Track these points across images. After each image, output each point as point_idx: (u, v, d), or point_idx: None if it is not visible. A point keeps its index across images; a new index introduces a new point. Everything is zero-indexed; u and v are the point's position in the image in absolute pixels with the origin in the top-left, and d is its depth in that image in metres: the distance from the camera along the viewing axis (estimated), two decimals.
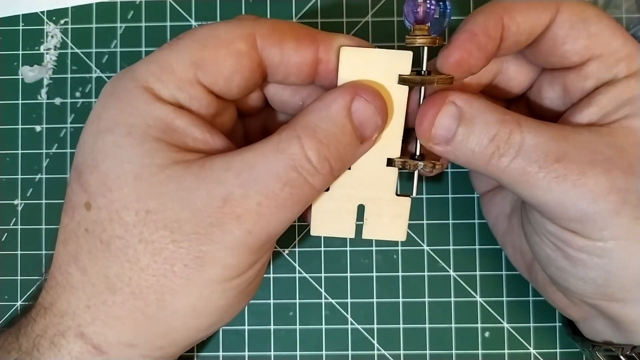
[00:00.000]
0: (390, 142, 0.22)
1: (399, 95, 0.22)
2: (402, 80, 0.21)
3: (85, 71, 0.31)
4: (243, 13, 0.31)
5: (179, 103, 0.20)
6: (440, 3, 0.22)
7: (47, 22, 0.31)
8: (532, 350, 0.30)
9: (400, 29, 0.30)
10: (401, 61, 0.22)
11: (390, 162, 0.23)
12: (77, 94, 0.31)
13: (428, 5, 0.21)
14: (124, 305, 0.20)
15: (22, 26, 0.31)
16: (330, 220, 0.23)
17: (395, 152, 0.23)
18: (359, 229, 0.24)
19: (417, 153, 0.23)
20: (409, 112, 0.23)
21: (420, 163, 0.22)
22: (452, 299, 0.30)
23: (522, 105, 0.26)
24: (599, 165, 0.20)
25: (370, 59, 0.22)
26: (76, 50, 0.31)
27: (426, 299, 0.30)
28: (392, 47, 0.30)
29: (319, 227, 0.23)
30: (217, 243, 0.19)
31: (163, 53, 0.21)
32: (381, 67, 0.22)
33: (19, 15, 0.31)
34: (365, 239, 0.24)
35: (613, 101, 0.21)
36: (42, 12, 0.31)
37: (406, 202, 0.23)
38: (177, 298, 0.20)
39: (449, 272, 0.30)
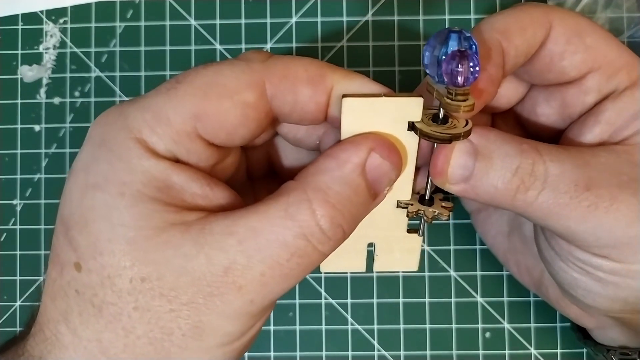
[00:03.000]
0: (402, 186, 0.21)
1: (408, 140, 0.20)
2: (424, 134, 0.19)
3: (85, 71, 0.31)
4: (243, 13, 0.31)
5: (176, 157, 0.19)
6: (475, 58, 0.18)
7: (46, 22, 0.31)
8: (533, 351, 0.30)
9: (400, 28, 0.30)
10: (412, 108, 0.19)
11: (399, 205, 0.22)
12: (77, 94, 0.31)
13: (472, 66, 0.18)
14: None
15: (21, 25, 0.31)
16: (340, 258, 0.22)
17: (406, 195, 0.22)
18: (369, 260, 0.23)
19: (427, 197, 0.22)
20: (423, 152, 0.21)
21: (435, 210, 0.22)
22: (453, 299, 0.30)
23: (509, 118, 0.26)
24: (626, 187, 0.19)
25: (377, 108, 0.19)
26: (75, 49, 0.31)
27: (427, 300, 0.30)
28: (393, 47, 0.30)
29: (328, 264, 0.23)
30: (216, 313, 0.18)
31: (159, 100, 0.18)
32: (389, 115, 0.20)
33: (17, 15, 0.31)
34: (377, 271, 0.23)
35: (621, 116, 0.21)
36: (41, 12, 0.31)
37: (418, 238, 0.23)
38: None
39: (449, 272, 0.30)
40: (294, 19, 0.30)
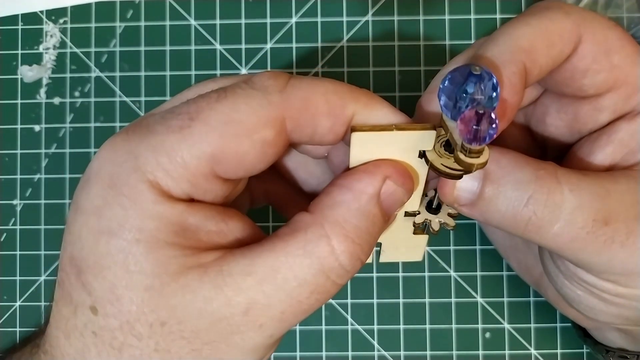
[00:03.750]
0: (411, 201, 0.21)
1: (420, 164, 0.19)
2: (435, 169, 0.18)
3: (85, 71, 0.31)
4: (243, 13, 0.31)
5: (191, 197, 0.18)
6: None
7: (46, 22, 0.31)
8: (533, 351, 0.30)
9: (400, 28, 0.30)
10: (423, 141, 0.18)
11: (407, 214, 0.22)
12: (76, 94, 0.31)
13: (491, 127, 0.16)
14: None
15: (21, 25, 0.31)
16: None
17: (415, 207, 0.21)
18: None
19: (434, 205, 0.22)
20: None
21: (442, 220, 0.21)
22: (453, 300, 0.30)
23: (518, 119, 0.25)
24: None
25: (387, 140, 0.19)
26: (75, 49, 0.31)
27: (427, 300, 0.30)
28: (393, 47, 0.30)
29: None
30: (237, 349, 0.18)
31: (173, 140, 0.17)
32: (400, 146, 0.19)
33: (17, 15, 0.31)
34: (382, 262, 0.23)
35: (635, 138, 0.20)
36: (41, 12, 0.31)
37: (423, 237, 0.23)
38: None
39: (449, 272, 0.30)
40: (294, 19, 0.30)
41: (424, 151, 0.19)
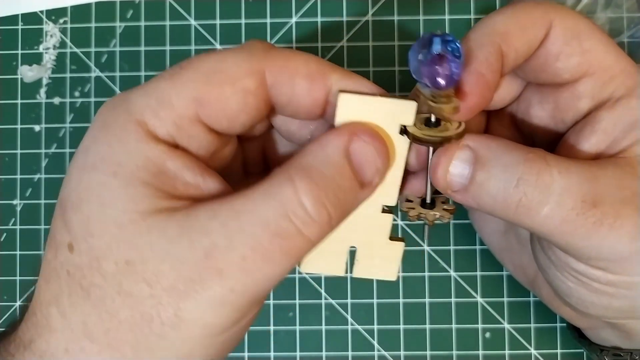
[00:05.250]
0: (387, 189, 0.21)
1: (399, 144, 0.20)
2: (416, 139, 0.19)
3: (85, 71, 0.31)
4: (243, 12, 0.31)
5: (175, 142, 0.19)
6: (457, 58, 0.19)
7: (46, 22, 0.31)
8: (533, 351, 0.30)
9: (400, 28, 0.30)
10: (404, 112, 0.19)
11: (389, 210, 0.22)
12: (76, 94, 0.31)
13: (452, 69, 0.18)
14: (101, 355, 0.18)
15: (21, 25, 0.31)
16: (320, 258, 0.22)
17: (391, 201, 0.21)
18: (349, 265, 0.23)
19: (428, 200, 0.22)
20: (423, 158, 0.21)
21: (437, 214, 0.21)
22: (453, 300, 0.30)
23: (504, 118, 0.25)
24: (629, 202, 0.19)
25: (371, 106, 0.20)
26: (75, 49, 0.31)
27: (427, 300, 0.30)
28: (393, 47, 0.30)
29: (308, 264, 0.22)
30: (196, 300, 0.17)
31: (162, 84, 0.19)
32: (382, 115, 0.20)
33: (18, 15, 0.31)
34: (355, 277, 0.23)
35: (617, 126, 0.20)
36: (41, 12, 0.31)
37: (399, 246, 0.22)
38: (154, 355, 0.18)
39: (449, 272, 0.30)
40: (294, 19, 0.30)
41: (405, 127, 0.20)
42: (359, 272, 0.23)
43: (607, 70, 0.21)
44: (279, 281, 0.18)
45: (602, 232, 0.19)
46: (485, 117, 0.26)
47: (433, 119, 0.20)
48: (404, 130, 0.20)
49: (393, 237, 0.22)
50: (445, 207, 0.22)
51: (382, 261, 0.22)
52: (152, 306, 0.18)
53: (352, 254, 0.22)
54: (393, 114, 0.20)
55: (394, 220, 0.22)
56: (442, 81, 0.18)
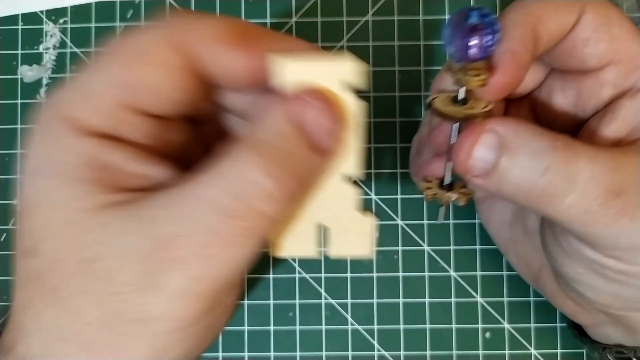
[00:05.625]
0: (348, 158, 0.20)
1: (352, 107, 0.19)
2: (439, 113, 0.19)
3: None
4: (243, 12, 0.31)
5: (108, 133, 0.18)
6: (493, 32, 0.18)
7: (46, 22, 0.31)
8: (533, 351, 0.30)
9: (400, 28, 0.30)
10: (348, 70, 0.18)
11: (353, 181, 0.21)
12: None
13: (485, 40, 0.18)
14: (77, 356, 0.18)
15: (21, 25, 0.31)
16: (291, 242, 0.21)
17: (354, 170, 0.20)
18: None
19: (447, 181, 0.21)
20: (444, 140, 0.21)
21: (453, 195, 0.21)
22: (453, 300, 0.30)
23: (524, 106, 0.25)
24: None
25: (311, 68, 0.18)
26: (75, 49, 0.31)
27: (427, 300, 0.30)
28: (393, 47, 0.30)
29: (278, 248, 0.21)
30: (159, 293, 0.17)
31: (84, 76, 0.18)
32: (325, 76, 0.18)
33: (17, 15, 0.31)
34: (332, 256, 0.23)
35: (638, 115, 0.20)
36: (41, 12, 0.31)
37: (369, 219, 0.21)
38: (130, 353, 0.17)
39: (449, 272, 0.30)
40: (294, 19, 0.30)
41: (431, 102, 0.19)
42: (334, 251, 0.22)
43: (632, 59, 0.21)
44: (246, 263, 0.18)
45: (623, 223, 0.19)
46: (503, 105, 0.25)
47: (461, 95, 0.19)
48: (428, 106, 0.19)
49: (359, 209, 0.21)
50: (462, 190, 0.21)
51: (355, 237, 0.21)
52: (117, 302, 0.17)
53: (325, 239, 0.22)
54: (336, 73, 0.18)
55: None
56: (472, 51, 0.18)
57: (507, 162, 0.19)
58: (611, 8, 0.21)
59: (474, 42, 0.18)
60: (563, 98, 0.23)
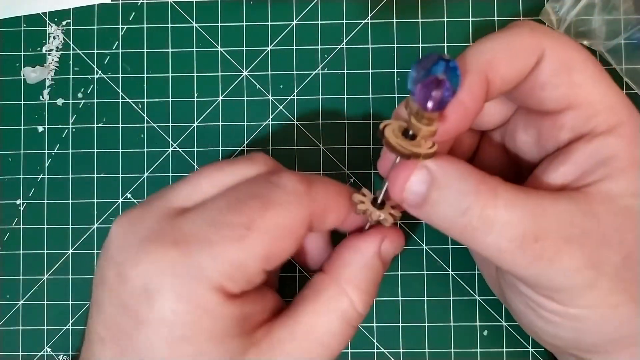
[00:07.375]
0: None
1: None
2: (388, 144, 0.20)
3: (87, 72, 0.31)
4: (244, 16, 0.31)
5: (245, 291, 0.21)
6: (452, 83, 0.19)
7: (49, 24, 0.31)
8: (531, 349, 0.30)
9: (400, 31, 0.31)
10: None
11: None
12: (79, 95, 0.31)
13: (445, 95, 0.18)
14: None
15: (24, 27, 0.31)
16: None
17: None
18: None
19: (379, 201, 0.23)
20: (389, 165, 0.22)
21: (382, 214, 0.23)
22: (451, 298, 0.30)
23: (495, 137, 0.25)
24: (575, 240, 0.19)
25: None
26: (78, 51, 0.31)
27: (425, 298, 0.30)
28: (392, 49, 0.30)
29: None
30: None
31: (233, 249, 0.20)
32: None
33: (20, 17, 0.31)
34: None
35: (590, 159, 0.20)
36: (44, 14, 0.31)
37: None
38: None
39: (447, 271, 0.30)
40: (294, 22, 0.31)
41: (384, 130, 0.20)
42: None
43: (592, 105, 0.20)
44: None
45: (542, 266, 0.19)
46: (478, 135, 0.26)
47: (411, 132, 0.20)
48: (381, 134, 0.20)
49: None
50: (392, 211, 0.23)
51: None
52: None
53: None
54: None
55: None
56: (430, 104, 0.18)
57: (436, 197, 0.20)
58: (574, 51, 0.21)
59: (434, 94, 0.18)
60: (525, 136, 0.23)
